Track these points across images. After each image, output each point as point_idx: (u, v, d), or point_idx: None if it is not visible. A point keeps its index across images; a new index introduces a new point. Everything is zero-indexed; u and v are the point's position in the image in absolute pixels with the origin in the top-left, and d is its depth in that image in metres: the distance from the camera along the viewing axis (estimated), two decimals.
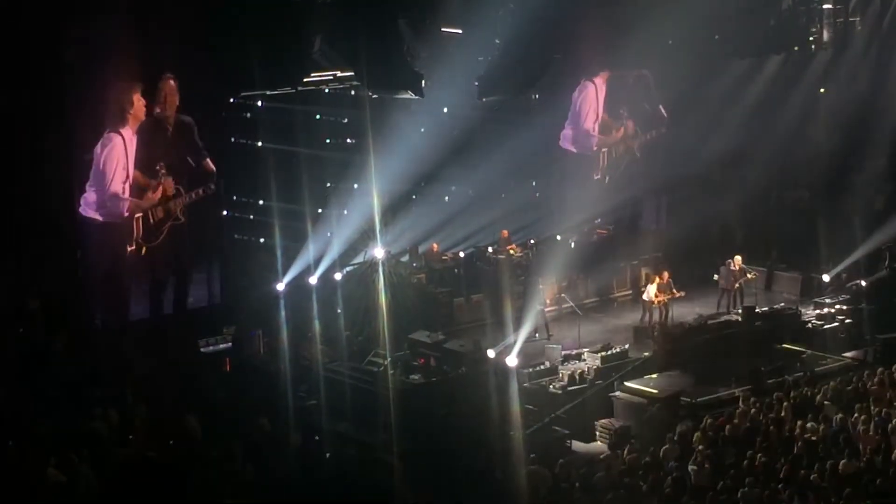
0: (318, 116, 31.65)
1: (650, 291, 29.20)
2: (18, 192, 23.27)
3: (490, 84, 29.22)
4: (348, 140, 31.98)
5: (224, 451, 18.07)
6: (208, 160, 26.58)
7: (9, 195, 23.18)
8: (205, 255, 28.13)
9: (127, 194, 24.93)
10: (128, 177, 24.93)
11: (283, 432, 20.63)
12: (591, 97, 33.30)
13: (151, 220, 25.56)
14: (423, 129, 31.15)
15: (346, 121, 31.89)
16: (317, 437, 21.41)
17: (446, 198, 33.91)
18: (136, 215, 25.25)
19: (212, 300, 27.91)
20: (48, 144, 23.45)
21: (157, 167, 25.45)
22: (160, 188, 25.49)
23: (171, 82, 25.27)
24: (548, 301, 28.67)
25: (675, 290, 29.24)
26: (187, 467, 17.33)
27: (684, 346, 26.39)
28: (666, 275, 29.53)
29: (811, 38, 34.15)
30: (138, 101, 24.84)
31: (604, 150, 33.87)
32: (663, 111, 34.05)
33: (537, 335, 27.83)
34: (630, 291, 32.21)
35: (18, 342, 21.50)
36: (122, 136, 24.67)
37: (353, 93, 30.28)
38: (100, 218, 24.78)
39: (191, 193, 26.09)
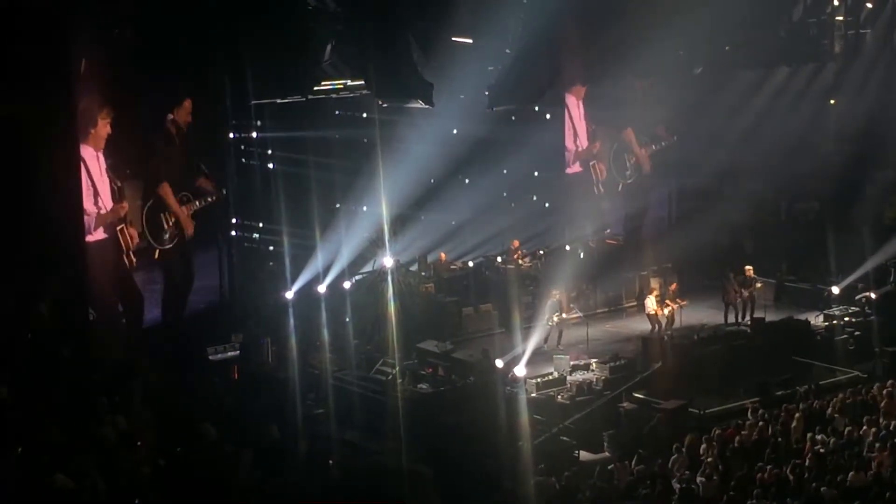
0: (326, 126, 31.60)
1: (648, 304, 29.18)
2: (28, 198, 23.27)
3: (500, 93, 29.22)
4: (357, 149, 31.96)
5: (233, 458, 18.08)
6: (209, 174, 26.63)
7: (19, 200, 23.18)
8: (214, 261, 28.16)
9: (92, 210, 24.75)
10: (97, 194, 24.79)
11: (292, 440, 20.63)
12: (568, 113, 33.28)
13: (185, 224, 25.64)
14: (432, 139, 31.14)
15: (355, 129, 31.88)
16: (325, 445, 21.40)
17: (463, 208, 33.86)
18: (118, 227, 25.16)
19: (220, 305, 27.93)
20: (58, 149, 23.45)
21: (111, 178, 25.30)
22: (123, 202, 25.36)
23: (188, 104, 25.31)
24: (564, 313, 28.65)
25: (679, 300, 29.21)
26: (197, 474, 17.34)
27: (693, 357, 26.35)
28: (660, 285, 29.57)
29: (822, 50, 34.20)
30: (102, 124, 24.68)
31: (592, 163, 33.82)
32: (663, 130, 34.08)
33: (546, 345, 27.81)
34: (637, 302, 32.13)
35: (27, 347, 21.50)
36: (82, 155, 24.48)
37: (362, 102, 30.30)
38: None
39: (196, 201, 26.15)
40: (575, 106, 33.22)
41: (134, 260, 25.50)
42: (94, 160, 24.72)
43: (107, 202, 24.85)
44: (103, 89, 24.03)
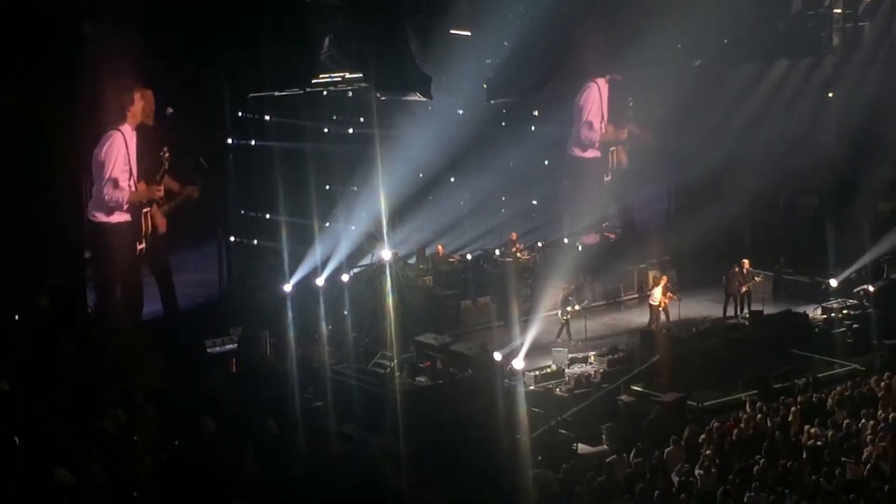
0: (327, 118, 31.58)
1: (656, 295, 29.23)
2: (27, 193, 23.30)
3: (498, 86, 29.25)
4: (356, 142, 31.93)
5: (233, 452, 18.09)
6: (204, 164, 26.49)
7: (17, 195, 23.21)
8: (213, 254, 28.16)
9: (128, 189, 24.79)
10: (131, 173, 24.84)
11: (290, 433, 20.63)
12: (595, 98, 33.29)
13: (156, 220, 25.48)
14: (430, 132, 31.12)
15: (353, 122, 31.87)
16: (324, 439, 21.41)
17: (461, 202, 33.85)
18: (145, 210, 25.14)
19: (219, 299, 27.92)
20: (56, 145, 23.47)
21: (162, 153, 25.26)
22: (162, 184, 25.33)
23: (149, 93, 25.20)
24: (577, 305, 28.67)
25: (672, 294, 29.29)
26: (197, 468, 17.36)
27: (692, 349, 26.38)
28: (665, 278, 29.66)
29: (820, 43, 34.25)
30: (138, 100, 24.75)
31: (612, 149, 33.83)
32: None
33: (571, 341, 27.83)
34: (637, 295, 32.19)
35: (27, 341, 21.50)
36: (122, 133, 24.53)
37: (359, 95, 30.29)
38: (104, 216, 24.70)
39: (170, 203, 25.89)
40: (604, 89, 33.27)
41: (144, 246, 25.44)
42: (132, 139, 24.76)
43: (140, 182, 24.91)
44: (133, 68, 24.06)
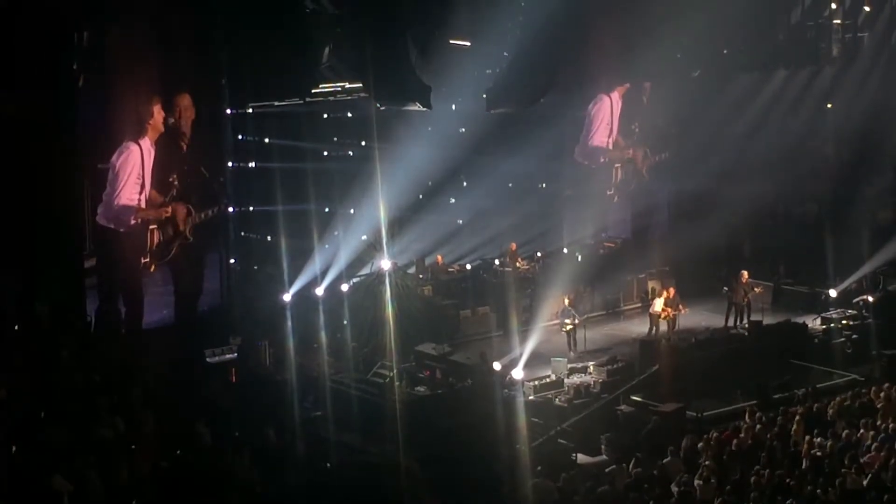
0: (325, 126, 31.55)
1: (657, 305, 29.24)
2: (28, 199, 23.30)
3: (498, 96, 29.22)
4: (355, 151, 31.92)
5: (232, 461, 18.07)
6: (220, 180, 26.63)
7: (18, 201, 23.21)
8: (215, 263, 28.15)
9: (137, 204, 24.90)
10: (143, 188, 24.93)
11: (289, 443, 20.61)
12: (606, 111, 33.37)
13: (164, 236, 25.54)
14: (430, 141, 31.11)
15: (353, 132, 31.85)
16: (322, 448, 21.38)
17: (460, 211, 33.82)
18: (151, 227, 25.21)
19: (219, 308, 27.92)
20: (59, 152, 23.48)
21: (171, 179, 25.43)
22: (171, 203, 25.46)
23: (188, 98, 25.28)
24: (578, 318, 28.66)
25: (681, 306, 29.29)
26: (196, 476, 17.33)
27: (691, 359, 26.35)
28: (672, 290, 29.62)
29: (819, 53, 34.32)
30: (158, 113, 24.85)
31: (616, 165, 33.88)
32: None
33: (572, 354, 27.81)
34: (638, 304, 32.22)
35: (25, 348, 21.50)
36: (139, 146, 24.69)
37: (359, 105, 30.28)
38: (111, 224, 24.82)
39: (201, 213, 26.00)
40: (617, 104, 33.31)
41: (149, 260, 25.54)
42: (150, 153, 24.85)
43: (153, 197, 24.95)
44: (148, 81, 24.16)
